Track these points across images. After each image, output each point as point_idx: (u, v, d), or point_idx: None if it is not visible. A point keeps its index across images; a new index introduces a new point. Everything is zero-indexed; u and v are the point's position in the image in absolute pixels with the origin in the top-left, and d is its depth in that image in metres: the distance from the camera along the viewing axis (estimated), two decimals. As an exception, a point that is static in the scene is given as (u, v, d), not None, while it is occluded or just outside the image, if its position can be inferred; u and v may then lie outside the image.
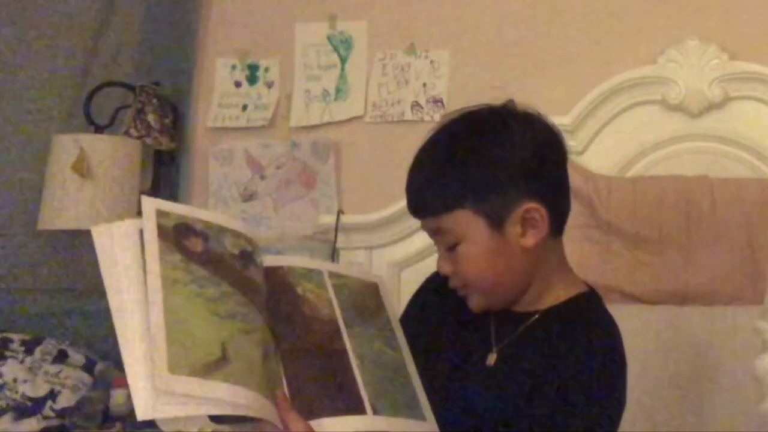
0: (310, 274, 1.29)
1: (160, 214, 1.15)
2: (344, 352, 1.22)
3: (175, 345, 1.04)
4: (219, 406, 1.05)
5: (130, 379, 1.03)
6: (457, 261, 1.33)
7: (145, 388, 1.02)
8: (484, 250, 1.31)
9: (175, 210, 1.18)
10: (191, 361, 1.05)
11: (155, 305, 1.06)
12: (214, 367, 1.06)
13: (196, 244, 1.16)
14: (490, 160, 1.30)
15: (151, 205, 1.16)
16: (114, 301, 1.08)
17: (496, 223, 1.30)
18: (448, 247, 1.33)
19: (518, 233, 1.31)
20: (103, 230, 1.13)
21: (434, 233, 1.35)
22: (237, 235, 1.22)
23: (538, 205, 1.30)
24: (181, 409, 1.03)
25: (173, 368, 1.03)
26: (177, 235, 1.14)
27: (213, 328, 1.09)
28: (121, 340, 1.05)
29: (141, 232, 1.13)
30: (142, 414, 1.02)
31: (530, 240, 1.31)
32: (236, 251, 1.19)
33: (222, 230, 1.20)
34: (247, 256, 1.21)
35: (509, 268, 1.33)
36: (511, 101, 1.37)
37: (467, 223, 1.30)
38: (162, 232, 1.13)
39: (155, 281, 1.08)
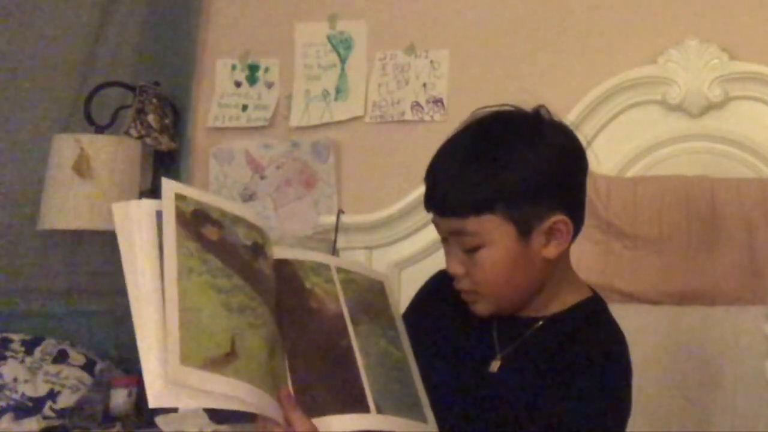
0: (319, 268, 1.28)
1: (179, 197, 1.15)
2: (350, 349, 1.21)
3: (187, 336, 1.05)
4: (225, 402, 1.05)
5: (143, 365, 1.03)
6: (475, 265, 1.29)
7: (159, 375, 1.02)
8: (507, 258, 1.28)
9: (193, 195, 1.17)
10: (202, 353, 1.05)
11: (171, 294, 1.06)
12: (222, 361, 1.06)
13: (213, 233, 1.15)
14: (525, 165, 1.26)
15: (170, 187, 1.15)
16: (130, 281, 1.08)
17: (525, 231, 1.27)
18: (467, 249, 1.29)
19: (542, 243, 1.29)
20: (122, 208, 1.12)
21: (455, 234, 1.30)
22: (250, 226, 1.21)
23: (566, 218, 1.29)
24: (189, 401, 1.04)
25: (185, 359, 1.03)
26: (195, 222, 1.14)
27: (224, 321, 1.09)
28: (136, 323, 1.06)
29: (158, 213, 1.12)
30: (153, 401, 1.02)
31: (552, 251, 1.30)
32: (248, 243, 1.19)
33: (236, 220, 1.20)
34: (259, 249, 1.20)
35: (526, 277, 1.31)
36: (543, 106, 1.34)
37: (495, 229, 1.26)
38: (180, 218, 1.13)
39: (172, 269, 1.08)
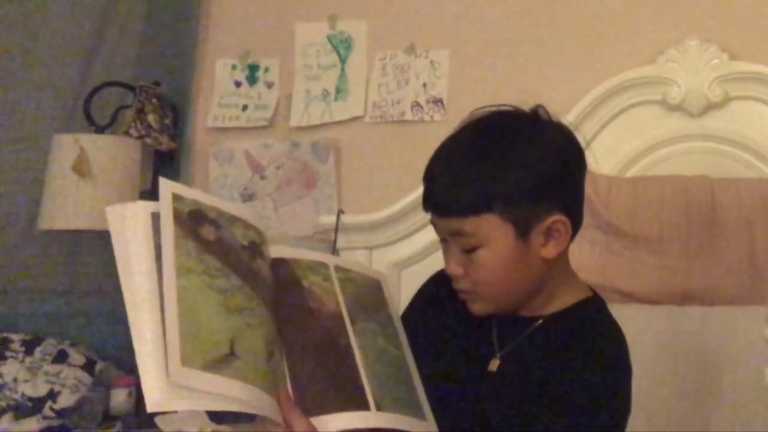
0: (317, 266, 1.27)
1: (176, 197, 1.14)
2: (348, 347, 1.21)
3: (187, 337, 1.04)
4: (225, 403, 1.05)
5: (141, 369, 1.02)
6: (473, 265, 1.29)
7: (157, 379, 1.01)
8: (505, 258, 1.28)
9: (190, 195, 1.16)
10: (202, 355, 1.04)
11: (170, 295, 1.05)
12: (222, 362, 1.05)
13: (210, 233, 1.15)
14: (524, 165, 1.26)
15: (167, 187, 1.14)
16: (126, 284, 1.06)
17: (523, 231, 1.27)
18: (465, 249, 1.29)
19: (540, 243, 1.29)
20: (117, 211, 1.11)
21: (453, 234, 1.30)
22: (247, 226, 1.21)
23: (565, 218, 1.29)
24: (189, 403, 1.03)
25: (185, 361, 1.02)
26: (192, 222, 1.13)
27: (222, 322, 1.09)
28: (132, 327, 1.04)
29: (153, 215, 1.11)
30: (151, 406, 1.00)
31: (551, 251, 1.30)
32: (246, 242, 1.19)
33: (233, 220, 1.19)
34: (256, 249, 1.20)
35: (524, 277, 1.31)
36: (541, 106, 1.34)
37: (494, 229, 1.26)
38: (177, 218, 1.12)
39: (170, 269, 1.07)
